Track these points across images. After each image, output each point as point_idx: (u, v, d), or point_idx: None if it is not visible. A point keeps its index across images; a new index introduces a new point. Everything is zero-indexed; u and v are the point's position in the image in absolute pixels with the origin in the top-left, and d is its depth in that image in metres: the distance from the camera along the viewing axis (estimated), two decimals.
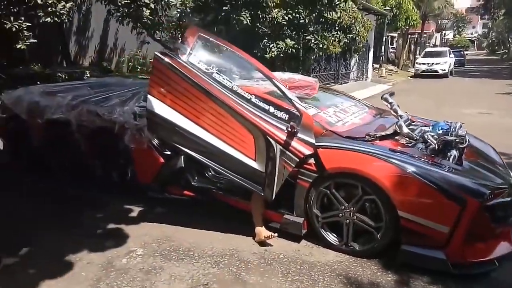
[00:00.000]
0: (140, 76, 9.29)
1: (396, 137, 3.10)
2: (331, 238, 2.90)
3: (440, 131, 2.99)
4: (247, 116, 2.81)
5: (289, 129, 2.77)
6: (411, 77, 21.14)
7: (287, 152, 2.80)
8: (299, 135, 2.82)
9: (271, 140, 2.80)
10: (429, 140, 2.95)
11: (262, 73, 3.01)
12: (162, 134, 3.05)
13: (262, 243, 3.00)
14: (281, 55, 6.84)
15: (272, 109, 2.89)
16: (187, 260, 2.80)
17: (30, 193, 3.99)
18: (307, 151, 2.82)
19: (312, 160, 2.85)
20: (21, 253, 2.89)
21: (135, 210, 3.61)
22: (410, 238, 2.59)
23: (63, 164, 4.06)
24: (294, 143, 2.81)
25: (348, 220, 2.81)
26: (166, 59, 2.82)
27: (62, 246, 2.96)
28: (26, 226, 3.29)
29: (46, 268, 2.68)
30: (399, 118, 3.23)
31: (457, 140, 2.91)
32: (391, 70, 22.03)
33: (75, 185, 3.98)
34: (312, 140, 2.84)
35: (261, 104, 2.89)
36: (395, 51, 28.08)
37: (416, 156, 2.78)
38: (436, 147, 2.88)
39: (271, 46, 6.84)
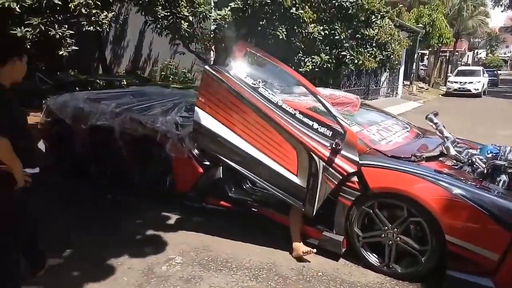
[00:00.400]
0: (173, 86, 9.51)
1: (441, 158, 3.04)
2: (372, 258, 2.84)
3: (489, 155, 2.91)
4: (291, 131, 2.83)
5: (333, 146, 2.78)
6: (442, 95, 20.70)
7: (330, 169, 2.79)
8: (342, 152, 2.81)
9: (314, 156, 2.80)
10: (477, 163, 2.88)
11: (307, 89, 3.03)
12: (206, 145, 3.10)
13: (300, 259, 2.98)
14: (316, 69, 6.86)
15: (316, 125, 2.91)
16: (226, 272, 2.81)
17: (70, 197, 4.09)
18: (351, 168, 2.80)
19: (355, 178, 2.82)
20: (64, 255, 2.97)
21: (172, 218, 3.66)
22: (456, 263, 2.52)
23: (104, 170, 4.16)
24: (338, 160, 2.80)
25: (391, 241, 2.75)
26: (215, 73, 2.89)
27: (103, 250, 3.02)
28: (68, 228, 3.37)
29: (89, 271, 2.75)
30: (445, 140, 3.16)
31: (507, 164, 2.82)
32: (422, 88, 21.66)
33: (115, 191, 4.07)
34: (356, 158, 2.82)
35: (305, 119, 2.91)
36: (426, 68, 27.65)
37: (463, 179, 2.72)
38: (485, 171, 2.81)
39: (305, 60, 6.87)
